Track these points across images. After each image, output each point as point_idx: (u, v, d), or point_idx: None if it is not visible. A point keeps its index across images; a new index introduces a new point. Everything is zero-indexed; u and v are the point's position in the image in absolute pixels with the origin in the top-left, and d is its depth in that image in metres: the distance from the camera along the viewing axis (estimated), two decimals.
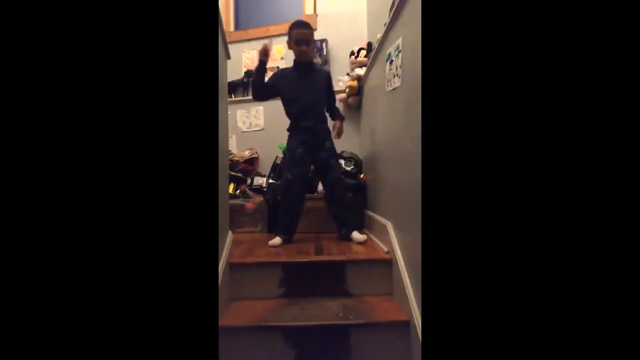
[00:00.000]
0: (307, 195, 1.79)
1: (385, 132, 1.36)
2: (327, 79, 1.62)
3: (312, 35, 1.54)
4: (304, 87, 1.53)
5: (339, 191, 1.55)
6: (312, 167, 1.63)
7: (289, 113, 1.58)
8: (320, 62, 2.28)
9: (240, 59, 2.45)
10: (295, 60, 1.56)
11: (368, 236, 1.55)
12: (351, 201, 1.65)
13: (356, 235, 1.49)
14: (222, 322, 0.98)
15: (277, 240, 1.46)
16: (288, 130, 1.60)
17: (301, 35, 1.48)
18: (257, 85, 1.53)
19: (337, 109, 1.68)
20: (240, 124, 2.42)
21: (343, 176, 1.72)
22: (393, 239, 1.17)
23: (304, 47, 1.49)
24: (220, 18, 1.14)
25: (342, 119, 1.66)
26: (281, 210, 1.54)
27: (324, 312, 1.05)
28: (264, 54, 1.44)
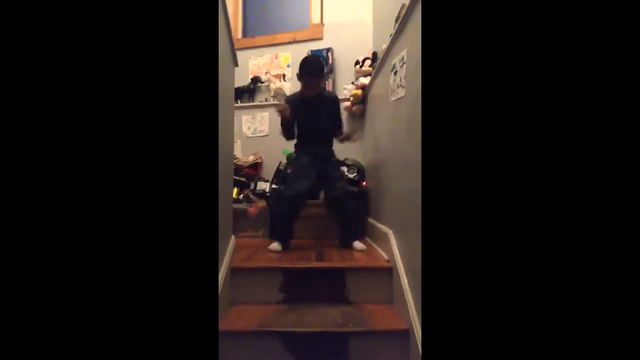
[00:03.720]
0: (310, 201, 1.80)
1: (388, 141, 1.38)
2: (334, 104, 1.63)
3: (322, 76, 1.54)
4: (310, 115, 1.57)
5: (343, 201, 1.57)
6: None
7: (297, 134, 1.64)
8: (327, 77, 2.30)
9: (247, 66, 2.49)
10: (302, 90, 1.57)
11: (369, 244, 1.56)
12: (353, 210, 1.66)
13: (357, 244, 1.50)
14: (221, 326, 0.98)
15: (277, 245, 1.47)
16: (295, 146, 1.66)
17: (310, 82, 1.49)
18: (288, 132, 1.61)
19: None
20: (245, 129, 2.45)
21: (347, 186, 1.74)
22: (394, 248, 1.18)
23: (312, 85, 1.50)
24: (229, 25, 1.17)
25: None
26: (282, 218, 1.56)
27: (323, 318, 1.06)
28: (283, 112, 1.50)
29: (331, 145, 1.67)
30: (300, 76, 1.50)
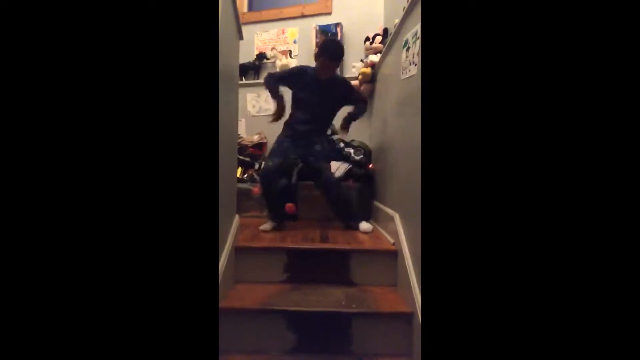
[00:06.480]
0: (313, 183, 1.78)
1: (397, 122, 1.33)
2: (346, 89, 1.57)
3: (340, 62, 1.50)
4: (316, 97, 1.52)
5: (333, 191, 1.54)
6: (300, 164, 1.67)
7: (293, 109, 1.59)
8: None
9: (252, 42, 2.41)
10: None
11: (374, 227, 1.55)
12: (351, 196, 1.64)
13: (364, 225, 1.49)
14: (225, 304, 0.99)
15: (268, 225, 1.48)
16: (285, 123, 1.60)
17: (327, 65, 1.45)
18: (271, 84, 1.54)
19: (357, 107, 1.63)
20: (250, 108, 2.40)
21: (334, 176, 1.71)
22: (400, 231, 1.16)
23: (328, 68, 1.46)
24: None
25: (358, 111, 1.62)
26: (264, 197, 1.55)
27: (326, 299, 1.06)
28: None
29: (322, 133, 1.61)
30: (318, 57, 1.46)
